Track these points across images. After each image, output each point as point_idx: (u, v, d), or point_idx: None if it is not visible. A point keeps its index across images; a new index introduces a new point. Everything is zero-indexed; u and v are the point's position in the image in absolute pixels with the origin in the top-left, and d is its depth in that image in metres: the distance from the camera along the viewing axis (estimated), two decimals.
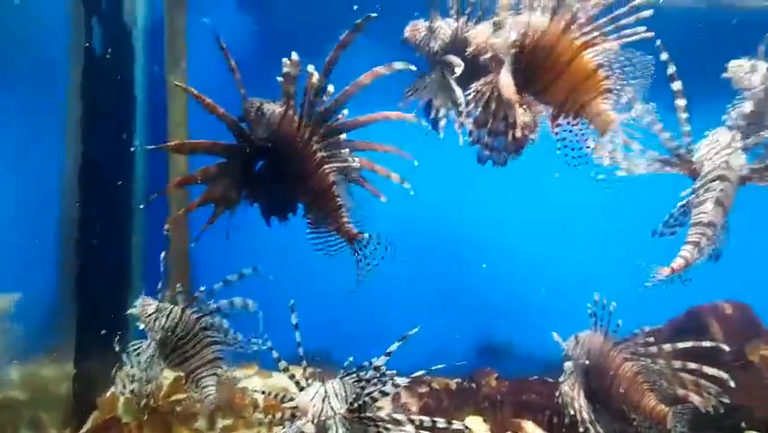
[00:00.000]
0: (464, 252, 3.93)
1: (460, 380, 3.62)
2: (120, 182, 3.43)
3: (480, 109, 2.31)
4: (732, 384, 2.75)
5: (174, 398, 3.31)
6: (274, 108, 2.42)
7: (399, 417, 2.34)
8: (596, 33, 2.24)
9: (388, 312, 3.82)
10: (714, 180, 2.46)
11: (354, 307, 3.74)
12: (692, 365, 2.85)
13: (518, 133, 2.29)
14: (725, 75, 2.74)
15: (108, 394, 3.36)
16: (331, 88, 2.38)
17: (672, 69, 2.39)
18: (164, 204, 3.85)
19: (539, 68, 2.29)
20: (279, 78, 2.34)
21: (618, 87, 2.32)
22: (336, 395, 2.33)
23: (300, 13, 3.86)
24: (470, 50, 2.35)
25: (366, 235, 2.60)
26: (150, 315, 2.71)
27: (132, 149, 2.32)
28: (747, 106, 2.53)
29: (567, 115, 2.39)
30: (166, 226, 2.50)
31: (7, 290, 3.05)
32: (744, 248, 2.75)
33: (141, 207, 2.40)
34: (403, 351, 2.48)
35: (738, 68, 2.68)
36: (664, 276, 2.48)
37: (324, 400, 2.30)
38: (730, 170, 2.47)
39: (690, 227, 2.51)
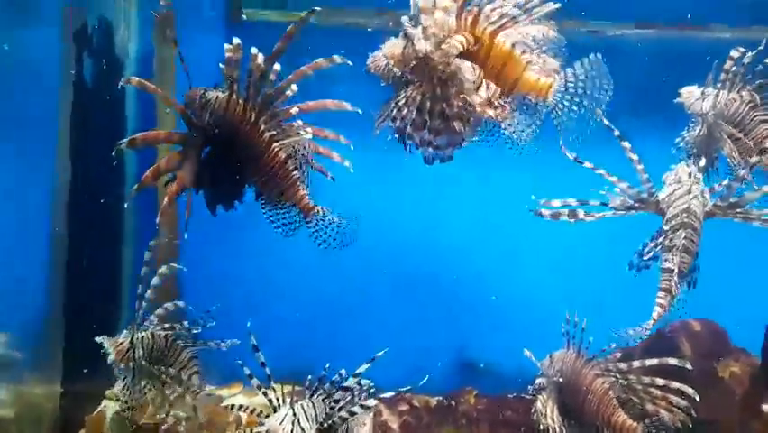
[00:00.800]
0: (441, 266, 4.00)
1: (440, 397, 3.69)
2: (106, 200, 3.52)
3: (414, 113, 2.35)
4: (697, 399, 2.82)
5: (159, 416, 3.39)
6: (218, 94, 2.45)
7: None
8: (504, 20, 2.33)
9: (365, 325, 3.91)
10: (678, 229, 2.57)
11: (331, 319, 3.85)
12: (660, 381, 2.92)
13: (459, 126, 2.35)
14: (677, 100, 2.87)
15: (95, 413, 3.45)
16: (277, 67, 2.41)
17: (617, 132, 2.51)
18: (153, 219, 3.96)
19: None
20: (221, 65, 2.38)
21: (539, 59, 2.40)
22: (306, 416, 2.38)
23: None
24: (390, 63, 2.39)
25: (322, 209, 2.65)
26: (126, 354, 2.76)
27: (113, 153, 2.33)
28: (698, 131, 2.66)
29: (498, 101, 2.43)
30: (157, 220, 2.50)
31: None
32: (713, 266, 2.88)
33: (126, 205, 2.44)
34: (382, 366, 2.55)
35: (690, 94, 2.82)
36: (649, 328, 2.59)
37: (294, 423, 2.34)
38: (692, 216, 2.58)
39: (660, 271, 2.62)
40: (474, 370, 4.02)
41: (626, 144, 2.54)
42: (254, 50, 2.36)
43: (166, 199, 2.46)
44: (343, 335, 3.75)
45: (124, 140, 2.35)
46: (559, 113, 2.46)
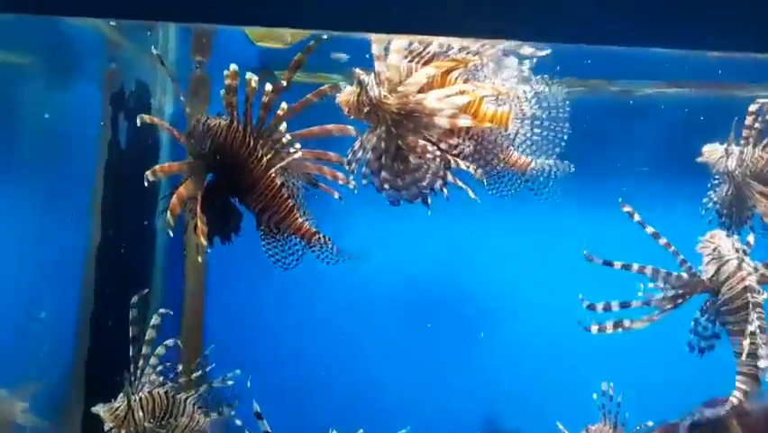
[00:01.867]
0: (467, 327, 3.87)
1: None
2: (135, 260, 3.55)
3: (369, 155, 2.36)
4: None
5: None
6: (219, 121, 2.48)
7: None
8: (455, 62, 2.36)
9: (383, 388, 3.77)
10: (747, 311, 2.43)
11: (348, 384, 3.73)
12: None
13: (416, 161, 2.35)
14: (700, 159, 2.78)
15: None
16: (268, 87, 2.40)
17: (637, 218, 2.46)
18: (180, 286, 4.00)
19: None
20: (222, 92, 2.41)
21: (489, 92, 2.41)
22: None
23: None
24: (345, 111, 2.42)
25: (325, 237, 2.60)
26: (125, 417, 2.66)
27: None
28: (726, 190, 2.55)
29: (459, 134, 2.44)
30: (199, 236, 2.42)
31: (22, 367, 3.16)
32: None
33: (170, 234, 2.43)
34: None
35: (713, 152, 2.72)
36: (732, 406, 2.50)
37: None
38: (755, 292, 2.45)
39: (737, 354, 2.48)
40: None
41: (651, 229, 2.47)
42: (249, 74, 2.39)
43: (198, 221, 2.46)
44: (360, 401, 3.62)
45: (150, 169, 2.42)
46: (523, 137, 2.47)
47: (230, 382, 2.79)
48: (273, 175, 2.53)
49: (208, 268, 3.99)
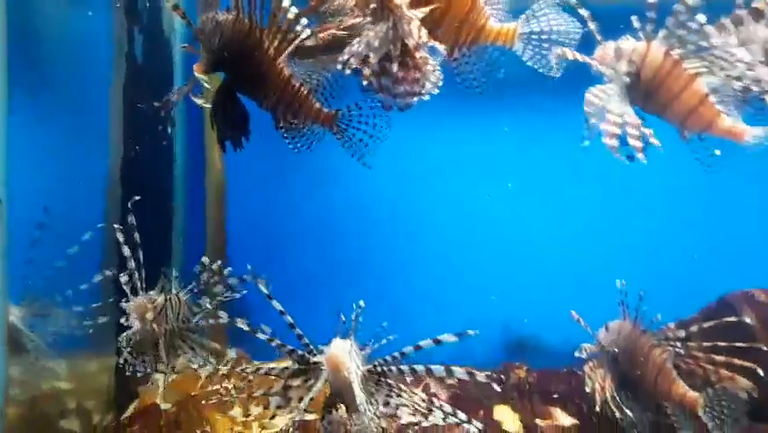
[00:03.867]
0: (482, 240, 3.95)
1: (488, 372, 3.63)
2: (158, 183, 3.56)
3: (370, 55, 2.27)
4: (761, 372, 2.70)
5: (211, 388, 3.42)
6: (227, 16, 2.39)
7: (419, 393, 2.38)
8: None
9: (409, 298, 3.88)
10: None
11: (373, 289, 3.85)
12: (722, 344, 2.82)
13: (418, 74, 2.31)
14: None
15: (148, 384, 3.50)
16: None
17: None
18: (201, 211, 4.05)
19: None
20: None
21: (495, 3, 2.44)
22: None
23: None
24: (350, 4, 2.39)
25: (344, 110, 2.53)
26: (161, 310, 2.68)
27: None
28: None
29: (461, 48, 2.46)
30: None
31: (52, 286, 3.21)
32: None
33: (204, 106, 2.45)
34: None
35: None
36: None
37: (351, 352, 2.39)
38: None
39: None
40: (521, 346, 3.94)
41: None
42: None
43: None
44: (385, 307, 3.73)
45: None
46: (530, 54, 2.45)
47: (247, 278, 2.77)
48: (282, 65, 2.43)
49: (227, 179, 4.04)
